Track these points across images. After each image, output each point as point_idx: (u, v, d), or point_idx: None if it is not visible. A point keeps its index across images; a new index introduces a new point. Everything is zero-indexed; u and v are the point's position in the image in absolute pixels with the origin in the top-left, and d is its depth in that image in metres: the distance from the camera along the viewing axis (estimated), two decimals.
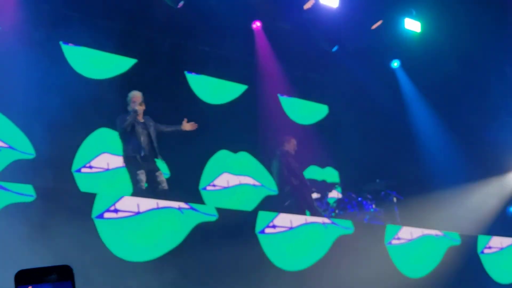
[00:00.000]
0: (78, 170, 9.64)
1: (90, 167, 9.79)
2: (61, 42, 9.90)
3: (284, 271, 8.40)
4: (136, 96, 8.67)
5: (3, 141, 9.02)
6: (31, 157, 9.14)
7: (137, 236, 7.53)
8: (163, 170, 9.13)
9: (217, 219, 8.04)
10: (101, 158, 9.89)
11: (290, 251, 8.63)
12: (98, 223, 7.24)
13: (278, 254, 8.48)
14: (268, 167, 11.21)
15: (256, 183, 11.49)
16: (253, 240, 8.26)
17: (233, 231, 8.09)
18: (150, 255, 7.56)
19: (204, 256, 7.70)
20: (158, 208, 7.74)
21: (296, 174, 10.29)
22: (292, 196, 10.23)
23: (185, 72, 11.28)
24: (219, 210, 8.27)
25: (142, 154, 8.44)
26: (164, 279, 7.28)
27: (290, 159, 10.35)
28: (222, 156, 11.24)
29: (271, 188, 11.20)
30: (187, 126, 8.91)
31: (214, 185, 10.99)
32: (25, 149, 9.15)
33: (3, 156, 8.94)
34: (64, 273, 1.43)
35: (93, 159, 9.82)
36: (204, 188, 10.86)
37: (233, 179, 11.25)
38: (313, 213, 9.89)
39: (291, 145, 10.49)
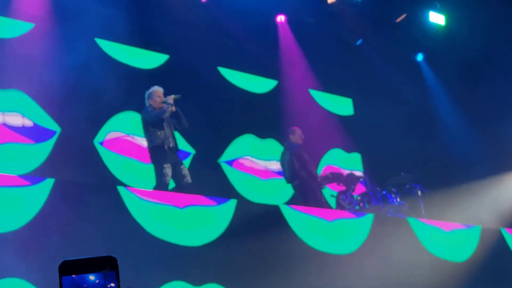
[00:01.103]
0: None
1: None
2: (96, 39, 9.93)
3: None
4: (159, 91, 8.65)
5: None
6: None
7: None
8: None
9: (249, 212, 8.05)
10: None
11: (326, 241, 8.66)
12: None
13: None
14: None
15: None
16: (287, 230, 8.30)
17: (265, 224, 8.11)
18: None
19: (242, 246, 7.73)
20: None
21: (306, 168, 10.13)
22: (301, 189, 10.16)
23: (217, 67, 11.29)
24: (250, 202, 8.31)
25: (170, 145, 8.39)
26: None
27: (301, 152, 10.20)
28: (247, 140, 11.22)
29: None
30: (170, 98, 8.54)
31: (238, 164, 10.92)
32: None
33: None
34: (108, 264, 1.42)
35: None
36: (227, 162, 10.81)
37: (258, 163, 11.19)
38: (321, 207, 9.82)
39: (296, 136, 10.27)
